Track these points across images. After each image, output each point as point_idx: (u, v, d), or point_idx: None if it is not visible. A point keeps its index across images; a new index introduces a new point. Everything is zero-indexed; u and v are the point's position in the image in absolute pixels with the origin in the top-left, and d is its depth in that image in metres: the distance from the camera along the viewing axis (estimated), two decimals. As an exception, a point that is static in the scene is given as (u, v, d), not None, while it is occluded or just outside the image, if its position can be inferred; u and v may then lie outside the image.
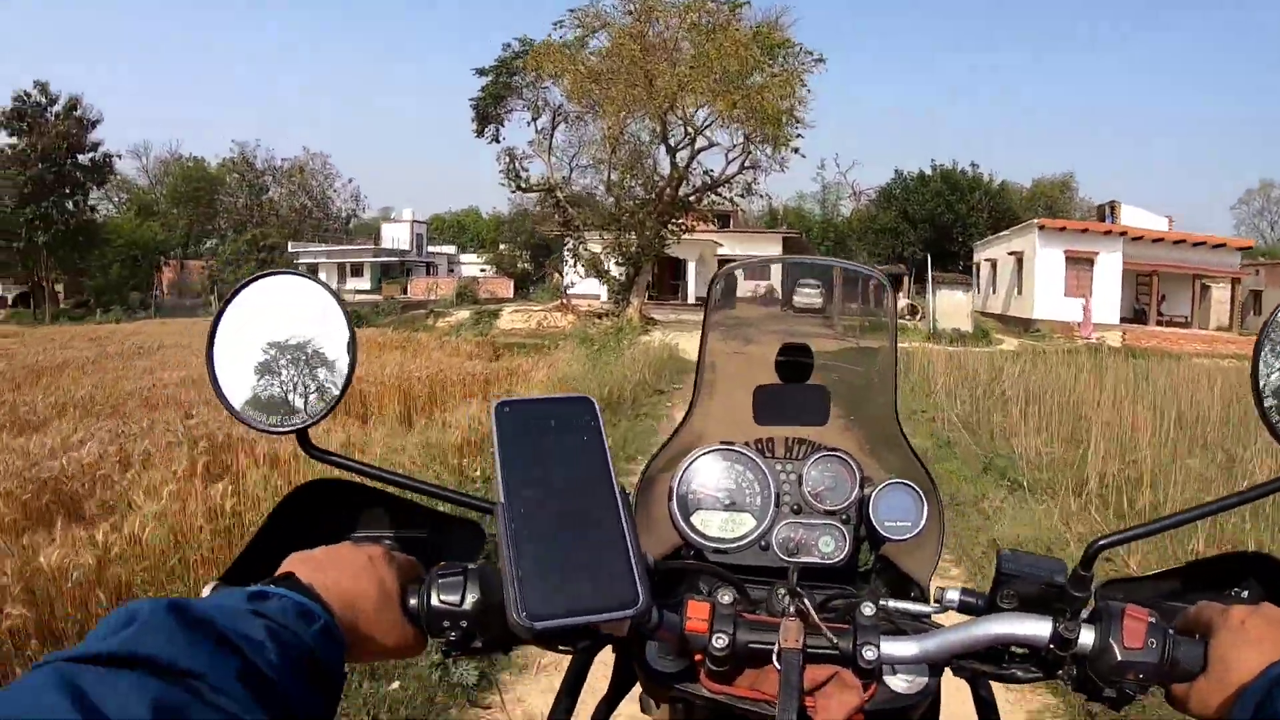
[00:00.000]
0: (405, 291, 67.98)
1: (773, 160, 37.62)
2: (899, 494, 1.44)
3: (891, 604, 1.25)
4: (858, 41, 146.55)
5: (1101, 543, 1.10)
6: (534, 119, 41.03)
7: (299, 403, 1.18)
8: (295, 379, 1.18)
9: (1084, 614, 1.11)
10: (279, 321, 1.18)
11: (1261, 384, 1.05)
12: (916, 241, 65.35)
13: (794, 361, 1.63)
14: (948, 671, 1.22)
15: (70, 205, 61.09)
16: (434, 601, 1.07)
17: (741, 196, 40.42)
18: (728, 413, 1.65)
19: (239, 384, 1.18)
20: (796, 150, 36.00)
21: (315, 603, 0.92)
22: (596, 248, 39.86)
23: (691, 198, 39.57)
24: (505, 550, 0.85)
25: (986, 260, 52.00)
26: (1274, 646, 0.93)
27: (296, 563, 1.01)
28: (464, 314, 44.08)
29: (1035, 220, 45.12)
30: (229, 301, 1.19)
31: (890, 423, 1.63)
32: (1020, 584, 1.13)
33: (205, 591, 1.05)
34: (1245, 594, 1.24)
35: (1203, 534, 6.76)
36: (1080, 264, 43.25)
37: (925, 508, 1.43)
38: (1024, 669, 1.17)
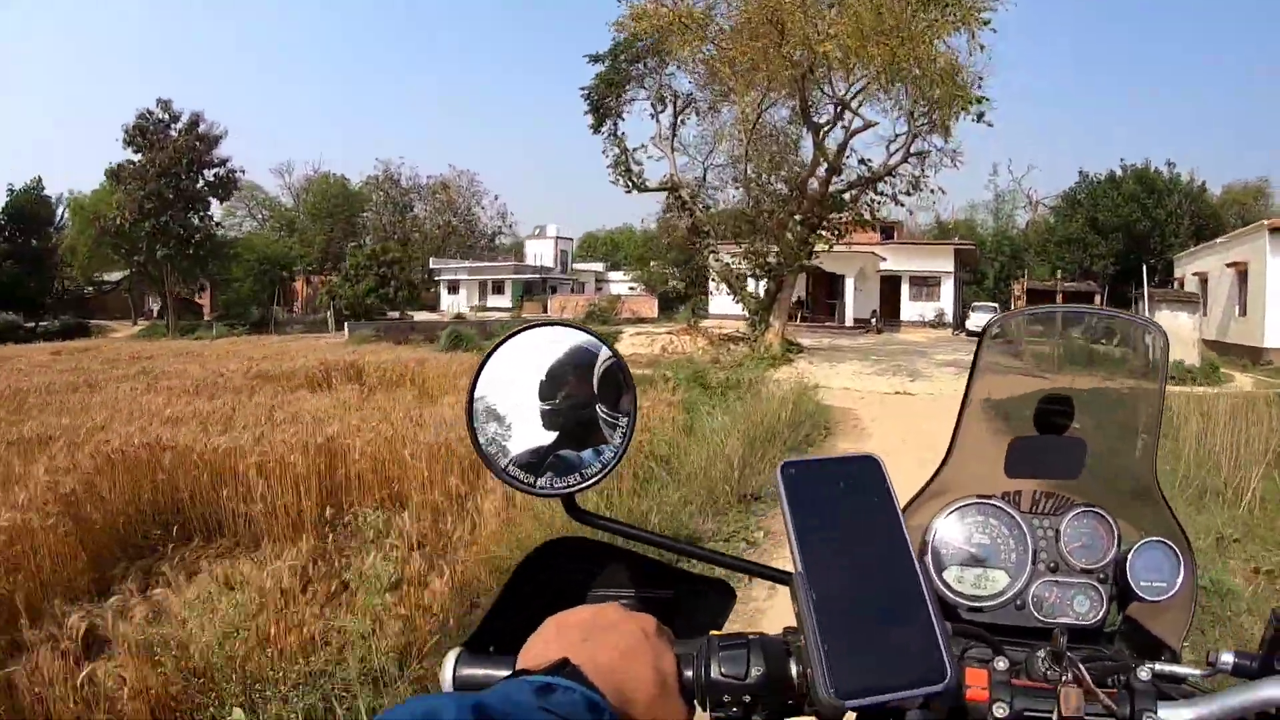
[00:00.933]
0: (546, 310, 65.23)
1: (944, 155, 30.18)
2: (1156, 553, 1.39)
3: (1160, 667, 1.17)
4: (1025, 33, 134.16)
5: None
6: (656, 111, 33.67)
7: (568, 464, 1.08)
8: (564, 438, 1.08)
9: None
10: (548, 375, 1.09)
11: None
12: (1107, 254, 58.07)
13: (1054, 412, 1.53)
14: None
15: (196, 220, 59.72)
16: (715, 675, 0.97)
17: (907, 194, 31.08)
18: (978, 462, 1.55)
19: (502, 441, 1.08)
20: (981, 117, 27.34)
21: (599, 694, 0.84)
22: (731, 258, 32.73)
23: (846, 195, 31.44)
24: (807, 622, 0.83)
25: (1194, 275, 43.17)
26: None
27: (561, 634, 0.93)
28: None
29: (1265, 221, 36.10)
30: (492, 353, 1.11)
31: (1148, 478, 1.55)
32: None
33: (449, 659, 1.02)
34: None
35: None
36: (1323, 277, 34.86)
37: (1182, 568, 1.38)
38: None
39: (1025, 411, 1.53)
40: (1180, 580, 1.36)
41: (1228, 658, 1.15)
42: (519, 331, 1.10)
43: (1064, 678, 1.09)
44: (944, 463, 1.54)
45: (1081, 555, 1.41)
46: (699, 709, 0.97)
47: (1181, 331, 28.58)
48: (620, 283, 76.39)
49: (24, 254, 60.81)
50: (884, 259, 50.04)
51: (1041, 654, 1.15)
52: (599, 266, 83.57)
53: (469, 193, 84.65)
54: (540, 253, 77.91)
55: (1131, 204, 57.83)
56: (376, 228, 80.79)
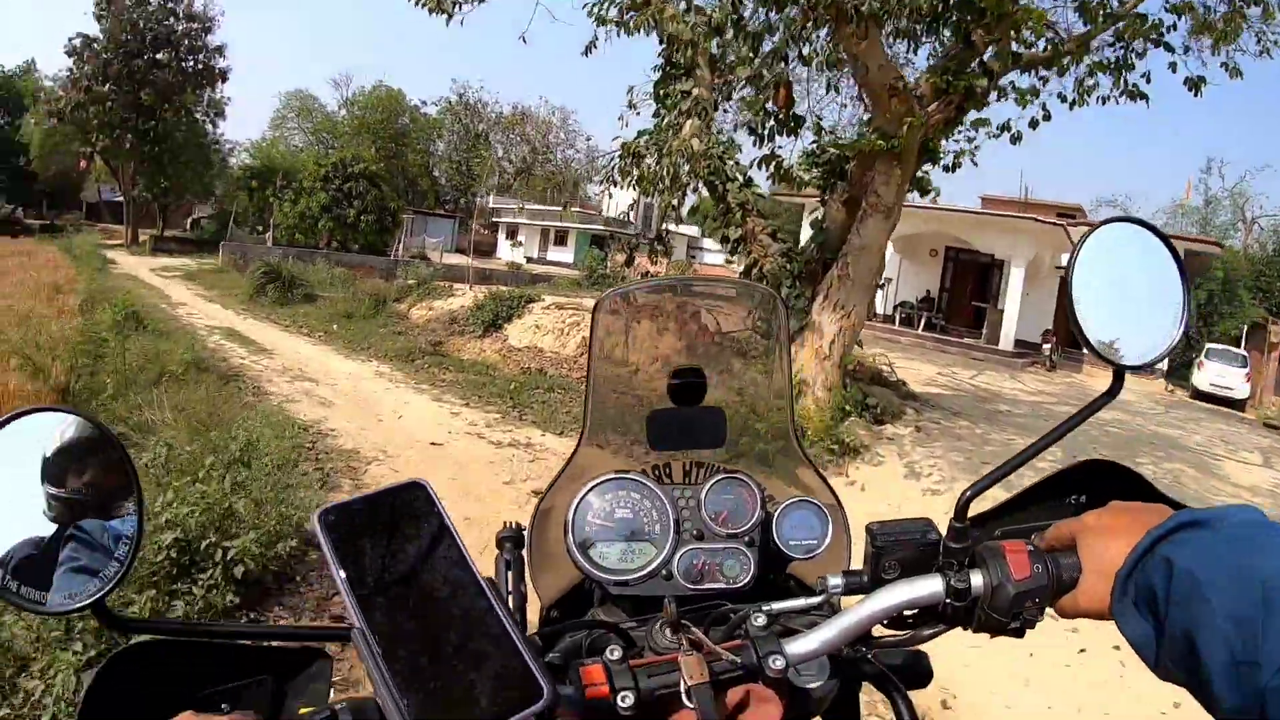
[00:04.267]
0: (618, 267, 48.49)
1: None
2: (802, 512, 1.41)
3: (777, 606, 1.16)
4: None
5: (969, 493, 1.08)
6: None
7: (87, 568, 0.90)
8: (76, 540, 0.90)
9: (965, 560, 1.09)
10: (44, 466, 0.91)
11: (1078, 306, 1.03)
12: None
13: (687, 384, 1.52)
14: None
15: (169, 113, 46.30)
16: None
17: (1133, 95, 11.67)
18: (621, 438, 1.56)
19: (4, 555, 0.86)
20: None
21: None
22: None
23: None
24: (377, 677, 0.74)
25: None
26: (1132, 532, 0.96)
27: None
28: (466, 299, 20.97)
29: None
30: None
31: (789, 440, 1.55)
32: (897, 551, 1.11)
33: None
34: (1085, 499, 1.21)
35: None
36: None
37: (830, 524, 1.41)
38: (928, 626, 1.11)
39: (659, 385, 1.50)
40: (829, 536, 1.38)
41: (837, 580, 1.13)
42: (8, 420, 0.89)
43: (683, 645, 1.05)
44: (578, 443, 1.48)
45: (728, 521, 1.39)
46: None
47: None
48: (716, 253, 57.83)
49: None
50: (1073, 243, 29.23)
51: (658, 627, 1.12)
52: (695, 231, 66.56)
53: (557, 129, 68.88)
54: (621, 203, 60.70)
55: None
56: (447, 158, 68.70)
